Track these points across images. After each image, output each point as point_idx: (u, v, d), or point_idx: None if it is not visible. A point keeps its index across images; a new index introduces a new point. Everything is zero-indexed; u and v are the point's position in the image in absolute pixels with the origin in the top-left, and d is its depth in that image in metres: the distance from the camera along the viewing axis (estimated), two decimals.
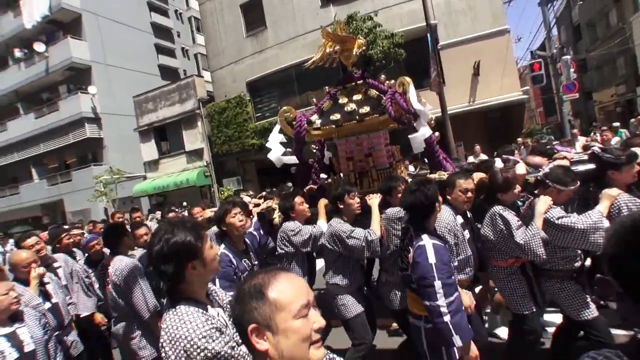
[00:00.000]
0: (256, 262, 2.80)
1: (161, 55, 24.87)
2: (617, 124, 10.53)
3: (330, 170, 4.37)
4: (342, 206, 2.80)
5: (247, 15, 16.00)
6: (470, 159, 9.13)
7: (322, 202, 3.18)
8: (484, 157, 7.05)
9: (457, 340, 1.85)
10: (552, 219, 2.25)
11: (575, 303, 2.34)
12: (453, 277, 1.97)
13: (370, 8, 12.97)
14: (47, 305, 2.84)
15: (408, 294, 2.27)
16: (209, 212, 4.44)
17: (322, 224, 3.03)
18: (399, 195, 2.69)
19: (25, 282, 2.76)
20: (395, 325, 3.44)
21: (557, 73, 12.43)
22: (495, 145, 10.14)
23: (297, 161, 3.92)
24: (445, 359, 2.03)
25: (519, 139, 10.74)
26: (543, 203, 2.31)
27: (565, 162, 2.85)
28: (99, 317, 3.56)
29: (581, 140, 8.70)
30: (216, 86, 16.82)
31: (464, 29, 12.92)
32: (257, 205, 3.83)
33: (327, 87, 3.94)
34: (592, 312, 2.31)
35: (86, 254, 3.94)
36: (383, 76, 3.71)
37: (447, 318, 1.85)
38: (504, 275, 2.54)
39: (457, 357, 2.00)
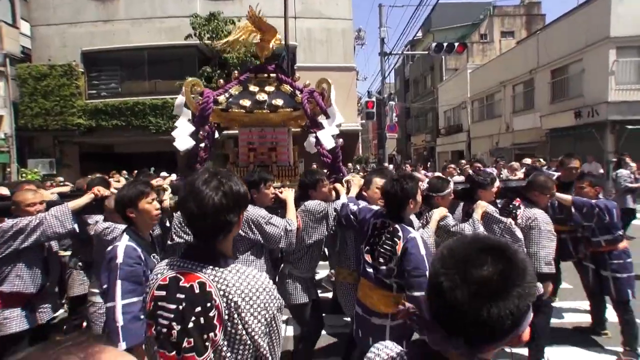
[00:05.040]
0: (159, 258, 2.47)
1: None
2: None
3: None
4: (256, 195, 2.63)
5: None
6: None
7: None
8: None
9: None
10: (448, 227, 2.66)
11: None
12: None
13: (237, 12, 12.92)
14: None
15: (374, 292, 2.22)
16: (48, 193, 3.37)
17: None
18: (323, 189, 2.80)
19: None
20: None
21: (385, 114, 15.12)
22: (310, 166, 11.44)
23: (192, 143, 3.52)
24: None
25: (349, 164, 12.49)
26: (438, 212, 2.68)
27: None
28: None
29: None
30: (37, 45, 13.62)
31: (320, 57, 14.38)
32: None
33: (235, 72, 3.75)
34: None
35: None
36: (298, 75, 3.77)
37: None
38: None
39: None
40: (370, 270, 2.23)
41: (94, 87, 13.71)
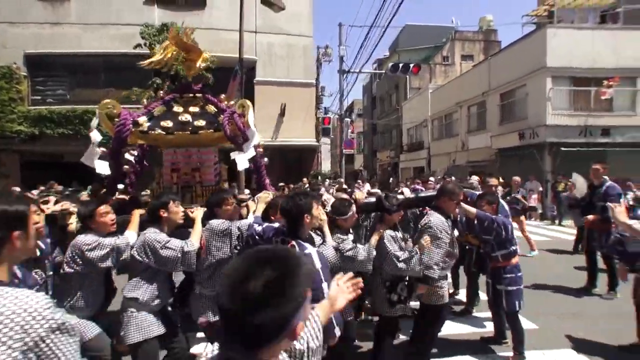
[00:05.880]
0: (50, 273, 2.46)
1: None
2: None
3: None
4: (166, 214, 2.62)
5: None
6: None
7: (137, 212, 2.89)
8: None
9: (337, 331, 2.06)
10: (342, 251, 2.77)
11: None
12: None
13: (195, 23, 12.82)
14: None
15: None
16: None
17: (131, 235, 2.67)
18: (227, 207, 2.86)
19: None
20: None
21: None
22: (288, 181, 11.42)
23: (107, 169, 3.46)
24: None
25: (305, 179, 12.44)
26: (326, 230, 2.76)
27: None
28: None
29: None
30: None
31: (280, 72, 14.43)
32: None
33: (161, 92, 3.76)
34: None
35: None
36: (223, 95, 3.79)
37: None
38: None
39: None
40: None
41: (38, 93, 13.04)
